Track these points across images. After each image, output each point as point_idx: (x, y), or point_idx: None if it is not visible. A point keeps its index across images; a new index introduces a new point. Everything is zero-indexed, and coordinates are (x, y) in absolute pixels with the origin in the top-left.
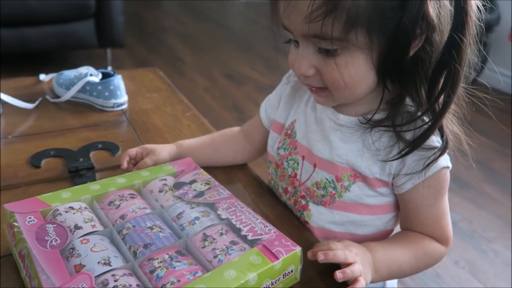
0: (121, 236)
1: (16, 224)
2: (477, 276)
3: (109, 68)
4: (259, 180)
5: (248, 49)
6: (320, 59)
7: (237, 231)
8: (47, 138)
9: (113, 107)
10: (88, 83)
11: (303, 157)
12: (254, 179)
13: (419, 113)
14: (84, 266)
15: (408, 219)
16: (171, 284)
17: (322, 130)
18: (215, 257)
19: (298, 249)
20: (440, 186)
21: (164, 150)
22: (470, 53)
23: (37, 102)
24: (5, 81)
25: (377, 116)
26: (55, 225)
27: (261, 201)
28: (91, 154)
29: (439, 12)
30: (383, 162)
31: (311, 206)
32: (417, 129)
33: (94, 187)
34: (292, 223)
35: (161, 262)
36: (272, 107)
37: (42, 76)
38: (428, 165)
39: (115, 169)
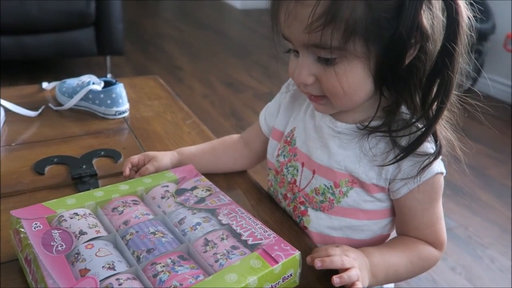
0: (125, 241)
1: (22, 230)
2: (473, 282)
3: (109, 76)
4: (258, 186)
5: (246, 56)
6: (319, 68)
7: (237, 236)
8: (50, 145)
9: (115, 114)
10: (91, 91)
11: (302, 164)
12: (254, 186)
13: (414, 119)
14: (89, 270)
15: (403, 224)
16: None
17: (321, 137)
18: (216, 261)
19: (297, 253)
20: (434, 192)
21: (166, 157)
22: (462, 62)
23: (40, 110)
24: (8, 89)
25: (374, 123)
26: (60, 231)
27: (261, 207)
28: (94, 161)
29: (432, 22)
30: (380, 168)
31: (310, 211)
32: (411, 135)
33: (98, 193)
34: (292, 229)
35: (164, 266)
36: (271, 115)
37: (45, 84)
38: (422, 169)
39: (117, 175)
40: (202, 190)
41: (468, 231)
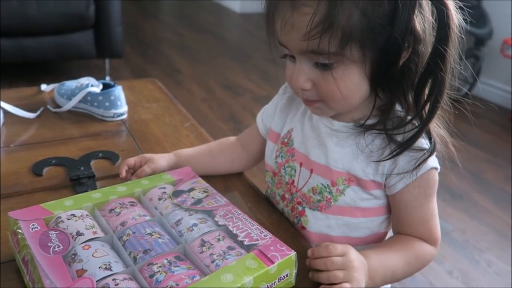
0: (122, 242)
1: (20, 231)
2: (470, 286)
3: (107, 78)
4: (255, 189)
5: (245, 60)
6: (317, 73)
7: (234, 237)
8: (48, 147)
9: (113, 117)
10: (89, 93)
11: (300, 164)
12: (251, 188)
13: (408, 118)
14: (86, 270)
15: (399, 220)
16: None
17: (318, 137)
18: (212, 261)
19: (293, 253)
20: (429, 187)
21: (162, 158)
22: (454, 63)
23: (38, 112)
24: (7, 91)
25: (370, 121)
26: (57, 232)
27: (258, 209)
28: (92, 162)
29: (424, 26)
30: (377, 164)
31: (308, 212)
32: (406, 132)
33: (95, 195)
34: (288, 231)
35: (160, 267)
36: (269, 117)
37: (44, 86)
38: (419, 165)
39: (115, 177)
40: (199, 192)
41: (465, 235)
